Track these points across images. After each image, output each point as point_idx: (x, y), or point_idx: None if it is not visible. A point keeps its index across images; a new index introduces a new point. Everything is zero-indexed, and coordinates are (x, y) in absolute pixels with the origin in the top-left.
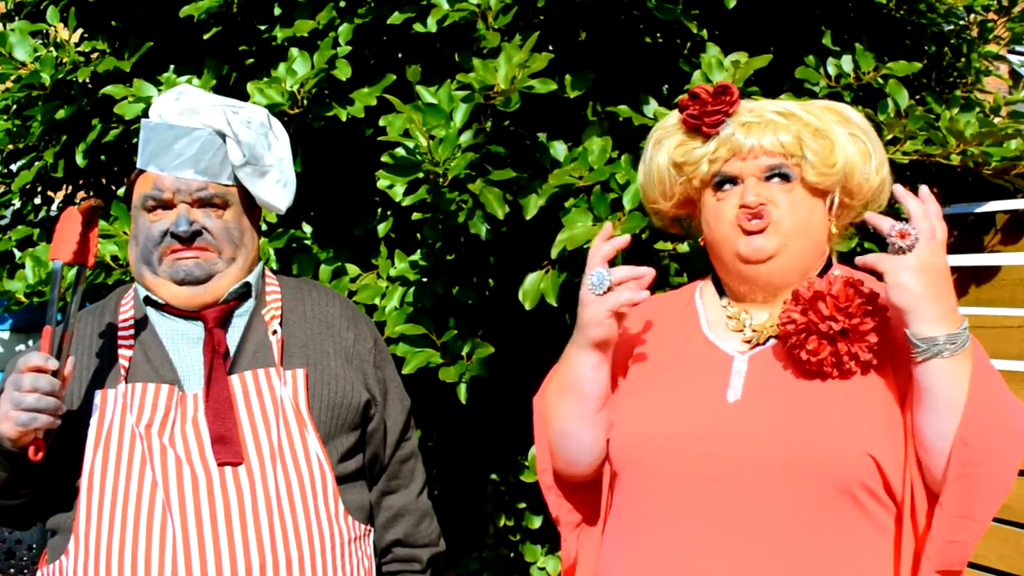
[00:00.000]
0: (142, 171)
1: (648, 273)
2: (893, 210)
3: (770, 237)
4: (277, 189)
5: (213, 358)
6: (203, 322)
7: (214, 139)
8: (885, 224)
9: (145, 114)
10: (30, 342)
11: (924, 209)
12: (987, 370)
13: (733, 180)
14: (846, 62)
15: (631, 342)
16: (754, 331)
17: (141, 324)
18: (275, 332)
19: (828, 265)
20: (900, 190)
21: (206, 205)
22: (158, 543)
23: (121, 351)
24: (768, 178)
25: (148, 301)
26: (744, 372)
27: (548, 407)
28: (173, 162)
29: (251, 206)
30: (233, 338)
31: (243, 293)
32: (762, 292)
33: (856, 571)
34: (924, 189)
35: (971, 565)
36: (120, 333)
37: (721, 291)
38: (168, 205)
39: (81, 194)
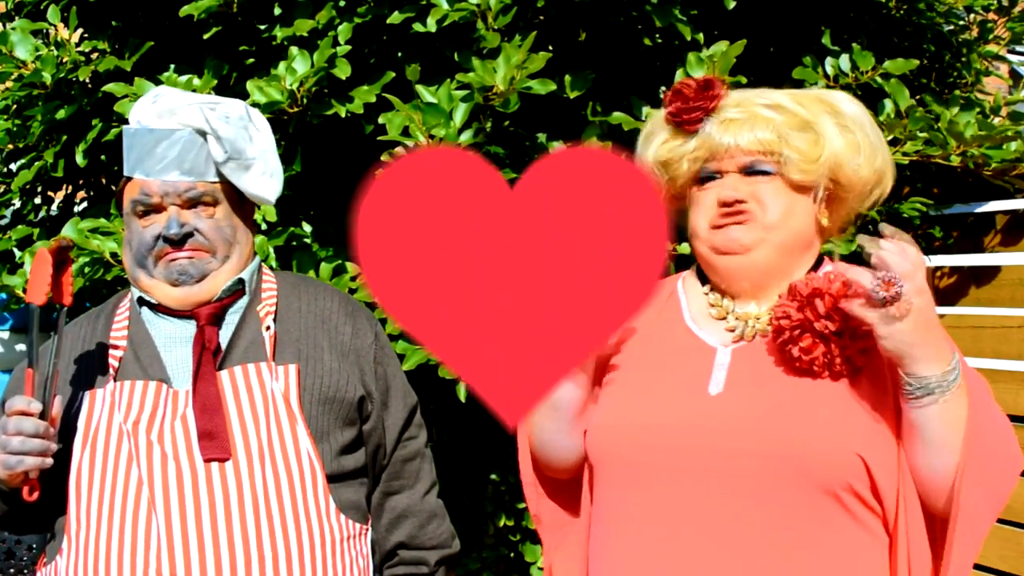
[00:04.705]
0: (130, 178)
1: None
2: (895, 216)
3: (749, 229)
4: (263, 180)
5: (202, 353)
6: (196, 320)
7: (195, 138)
8: (865, 279)
9: None
10: None
11: (898, 247)
12: (979, 401)
13: (715, 175)
14: (844, 62)
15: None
16: (738, 319)
17: (135, 325)
18: (268, 328)
19: (819, 262)
20: (866, 239)
21: (195, 205)
22: (143, 541)
23: (112, 352)
24: (748, 173)
25: (142, 302)
26: (727, 364)
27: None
28: (157, 165)
29: (242, 203)
30: (226, 335)
31: (237, 290)
32: (741, 286)
33: (841, 573)
34: (887, 229)
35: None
36: (113, 335)
37: (704, 279)
38: (158, 209)
39: (81, 194)
